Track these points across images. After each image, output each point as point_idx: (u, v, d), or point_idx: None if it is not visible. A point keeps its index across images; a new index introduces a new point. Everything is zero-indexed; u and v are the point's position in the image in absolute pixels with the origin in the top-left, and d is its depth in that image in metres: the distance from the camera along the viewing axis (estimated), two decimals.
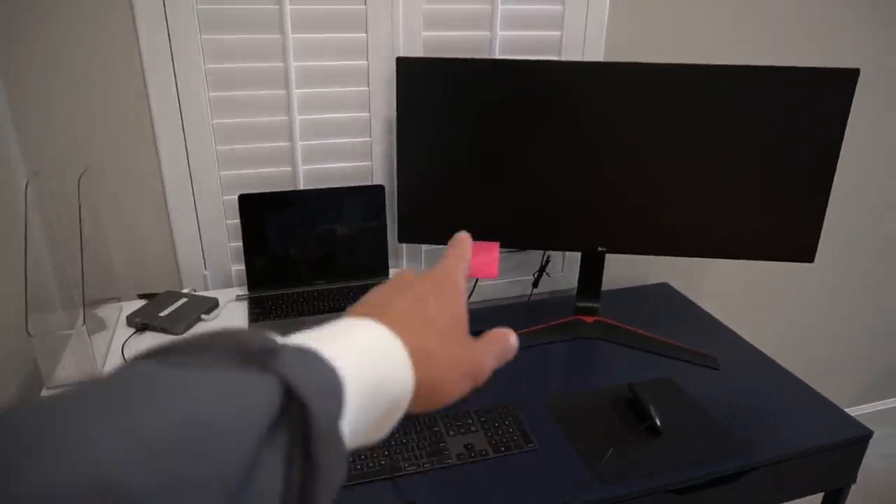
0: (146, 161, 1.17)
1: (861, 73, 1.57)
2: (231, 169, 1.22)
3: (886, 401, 2.15)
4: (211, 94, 1.15)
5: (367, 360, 0.31)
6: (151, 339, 1.06)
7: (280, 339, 0.29)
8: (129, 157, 1.16)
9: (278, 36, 1.15)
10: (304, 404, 0.25)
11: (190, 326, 1.11)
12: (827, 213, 1.72)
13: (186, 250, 1.24)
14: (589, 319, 1.34)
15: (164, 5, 1.07)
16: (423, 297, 0.38)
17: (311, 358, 0.28)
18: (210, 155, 1.19)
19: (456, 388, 0.37)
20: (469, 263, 0.44)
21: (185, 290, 1.22)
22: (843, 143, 1.64)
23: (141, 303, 1.17)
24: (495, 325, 1.31)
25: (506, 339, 0.41)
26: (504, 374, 1.21)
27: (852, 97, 1.10)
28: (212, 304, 1.16)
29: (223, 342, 0.26)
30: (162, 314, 1.11)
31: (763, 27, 1.45)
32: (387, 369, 0.32)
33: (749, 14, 1.42)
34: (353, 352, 0.31)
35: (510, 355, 0.41)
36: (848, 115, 1.11)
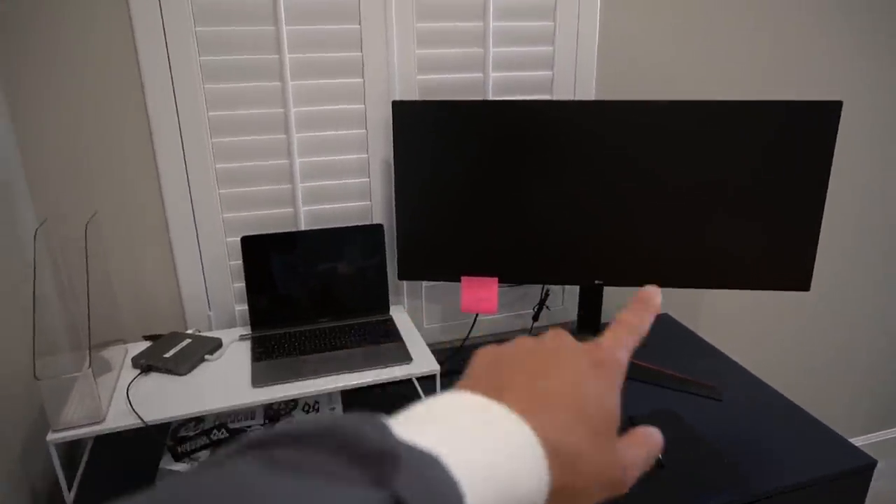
0: (151, 205, 1.20)
1: (847, 104, 1.61)
2: (234, 211, 1.25)
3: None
4: (213, 139, 1.19)
5: (496, 467, 0.27)
6: (156, 380, 1.08)
7: (399, 434, 0.26)
8: (134, 202, 1.19)
9: (278, 83, 1.19)
10: None
11: (194, 367, 1.12)
12: (824, 241, 1.73)
13: (191, 292, 1.27)
14: None
15: (169, 58, 1.12)
16: (579, 381, 0.32)
17: (431, 468, 0.25)
18: (213, 198, 1.22)
19: (595, 498, 0.31)
20: (645, 332, 0.37)
21: (189, 331, 1.23)
22: (834, 171, 1.66)
23: (146, 344, 1.19)
24: None
25: (653, 440, 0.35)
26: None
27: (837, 128, 1.12)
28: (215, 345, 1.18)
29: (337, 437, 0.24)
30: (166, 355, 1.13)
31: (750, 62, 1.49)
32: (519, 475, 0.28)
33: (736, 50, 1.46)
34: (480, 456, 0.27)
35: (655, 457, 0.35)
36: (834, 146, 1.13)
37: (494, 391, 0.31)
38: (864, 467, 1.04)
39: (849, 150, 1.66)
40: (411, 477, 0.23)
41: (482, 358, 0.35)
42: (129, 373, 1.11)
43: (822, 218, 1.18)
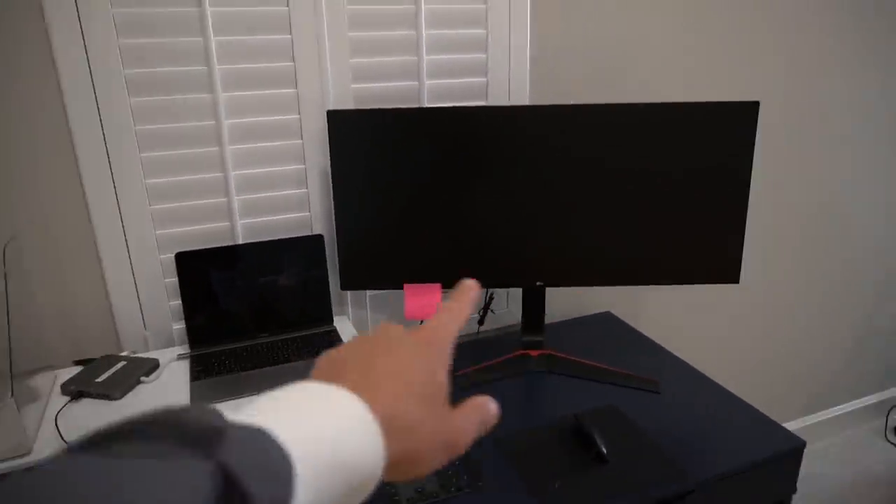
0: (77, 224, 1.15)
1: (774, 103, 1.69)
2: (167, 227, 1.22)
3: (835, 408, 2.24)
4: (143, 154, 1.16)
5: (329, 437, 0.29)
6: (88, 407, 1.04)
7: (230, 417, 0.27)
8: (59, 222, 1.14)
9: (209, 95, 1.17)
10: (244, 494, 0.24)
11: (129, 390, 1.08)
12: (755, 235, 1.81)
13: (124, 312, 1.22)
14: (534, 353, 1.36)
15: (91, 71, 1.08)
16: (409, 359, 0.36)
17: (259, 440, 0.27)
18: (145, 215, 1.18)
19: (433, 460, 0.35)
20: (468, 316, 0.42)
21: (123, 353, 1.19)
22: (760, 167, 1.74)
23: (77, 369, 1.14)
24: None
25: (486, 408, 0.39)
26: None
27: (756, 126, 1.18)
28: (152, 366, 1.14)
29: (167, 423, 0.25)
30: (99, 379, 1.08)
31: (679, 65, 1.55)
32: (353, 445, 0.30)
33: (663, 53, 1.52)
34: (312, 429, 0.29)
35: (491, 424, 0.39)
36: (754, 144, 1.19)
37: (332, 379, 0.34)
38: (793, 449, 1.09)
39: (772, 147, 1.75)
40: (236, 447, 0.25)
41: (323, 360, 0.37)
42: (59, 400, 1.06)
43: (746, 213, 1.23)
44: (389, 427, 0.32)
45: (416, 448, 0.34)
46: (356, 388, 0.33)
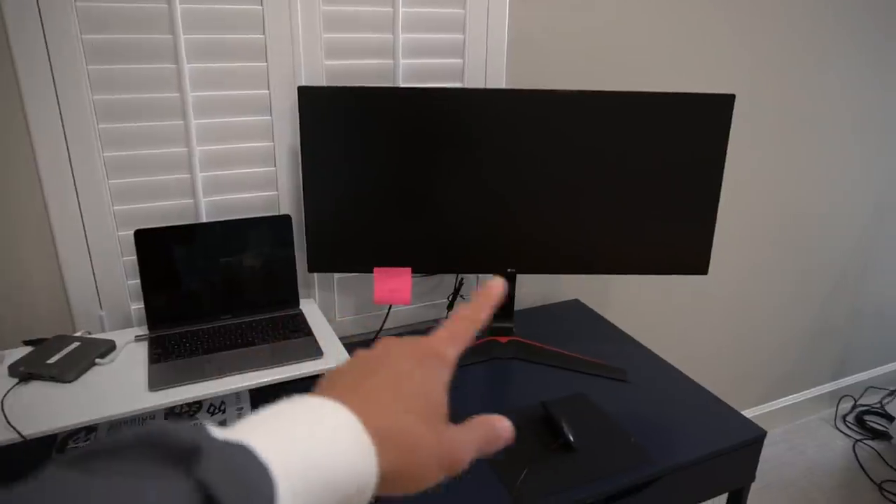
0: (28, 198, 1.09)
1: (742, 98, 1.71)
2: (126, 203, 1.16)
3: (789, 397, 2.31)
4: (100, 125, 1.10)
5: (316, 453, 0.29)
6: (38, 390, 0.99)
7: (213, 433, 0.27)
8: (9, 194, 1.08)
9: (173, 66, 1.11)
10: None
11: (83, 372, 1.03)
12: (720, 228, 1.83)
13: (79, 291, 1.17)
14: (503, 340, 1.36)
15: (45, 34, 1.01)
16: (404, 374, 0.36)
17: (239, 456, 0.27)
18: (102, 189, 1.13)
19: (429, 475, 0.34)
20: (482, 323, 0.41)
21: (77, 334, 1.14)
22: (731, 160, 1.76)
23: (27, 350, 1.09)
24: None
25: (491, 426, 0.38)
26: None
27: (730, 119, 1.18)
28: (108, 347, 1.09)
29: (149, 441, 0.25)
30: (50, 361, 1.03)
31: (654, 56, 1.54)
32: (341, 460, 0.30)
33: (639, 44, 1.51)
34: (297, 443, 0.29)
35: (500, 443, 0.39)
36: (727, 136, 1.19)
37: (325, 393, 0.33)
38: (754, 438, 1.11)
39: (744, 141, 1.77)
40: (214, 465, 0.25)
41: (325, 379, 0.37)
42: (6, 382, 1.00)
43: (717, 205, 1.24)
44: (382, 439, 0.32)
45: (411, 463, 0.33)
46: (347, 401, 0.32)
